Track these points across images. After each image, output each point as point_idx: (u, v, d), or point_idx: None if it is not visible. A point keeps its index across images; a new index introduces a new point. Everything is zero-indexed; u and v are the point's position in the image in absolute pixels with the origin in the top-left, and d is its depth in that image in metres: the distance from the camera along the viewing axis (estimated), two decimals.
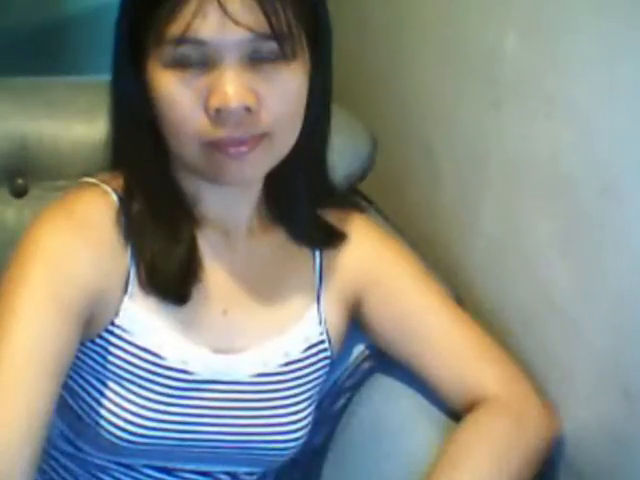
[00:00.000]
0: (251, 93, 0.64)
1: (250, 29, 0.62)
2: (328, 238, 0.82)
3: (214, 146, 0.67)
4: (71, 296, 0.68)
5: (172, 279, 0.72)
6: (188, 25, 0.62)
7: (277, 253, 0.81)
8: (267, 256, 0.80)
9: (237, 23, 0.62)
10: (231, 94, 0.63)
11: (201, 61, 0.64)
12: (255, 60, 0.65)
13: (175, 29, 0.63)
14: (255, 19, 0.62)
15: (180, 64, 0.64)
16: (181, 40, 0.63)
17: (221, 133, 0.65)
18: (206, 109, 0.65)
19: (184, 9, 0.62)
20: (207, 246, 0.75)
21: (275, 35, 0.63)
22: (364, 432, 0.85)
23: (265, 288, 0.79)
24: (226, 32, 0.62)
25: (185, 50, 0.64)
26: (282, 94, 0.66)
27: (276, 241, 0.81)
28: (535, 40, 0.81)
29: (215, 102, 0.64)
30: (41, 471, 0.76)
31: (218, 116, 0.64)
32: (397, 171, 1.10)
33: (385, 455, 0.82)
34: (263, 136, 0.67)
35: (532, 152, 0.83)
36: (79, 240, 0.70)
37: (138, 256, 0.72)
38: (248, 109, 0.64)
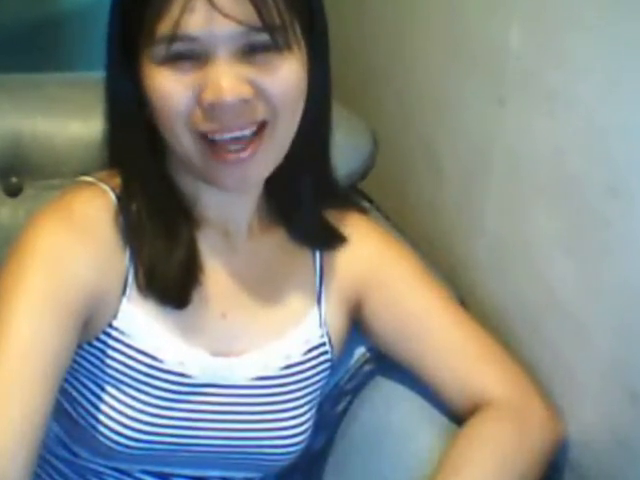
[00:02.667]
0: (247, 85, 0.64)
1: (240, 22, 0.62)
2: (329, 239, 0.81)
3: (212, 150, 0.66)
4: (68, 297, 0.67)
5: (172, 284, 0.71)
6: (177, 22, 0.61)
7: (277, 254, 0.80)
8: (267, 257, 0.79)
9: (226, 16, 0.61)
10: (225, 87, 0.62)
11: (194, 56, 0.63)
12: (248, 52, 0.64)
13: (164, 27, 0.62)
14: (244, 11, 0.62)
15: (173, 61, 0.64)
16: (172, 38, 0.62)
17: (216, 125, 0.64)
18: (200, 103, 0.64)
19: (172, 6, 0.62)
20: (206, 247, 0.75)
21: (266, 27, 0.62)
22: (365, 435, 0.84)
23: (265, 290, 0.78)
24: (216, 26, 0.62)
25: (177, 47, 0.63)
26: (279, 84, 0.65)
27: (276, 242, 0.80)
28: (540, 36, 0.80)
29: (209, 96, 0.63)
30: (35, 475, 0.75)
31: (212, 110, 0.64)
32: (398, 169, 1.10)
33: (386, 459, 0.82)
34: (263, 129, 0.66)
35: (536, 149, 0.82)
36: (77, 240, 0.69)
37: (137, 259, 0.71)
38: (245, 101, 0.63)
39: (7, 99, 0.96)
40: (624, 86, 0.69)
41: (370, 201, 0.99)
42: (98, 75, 0.74)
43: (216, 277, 0.75)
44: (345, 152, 0.91)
